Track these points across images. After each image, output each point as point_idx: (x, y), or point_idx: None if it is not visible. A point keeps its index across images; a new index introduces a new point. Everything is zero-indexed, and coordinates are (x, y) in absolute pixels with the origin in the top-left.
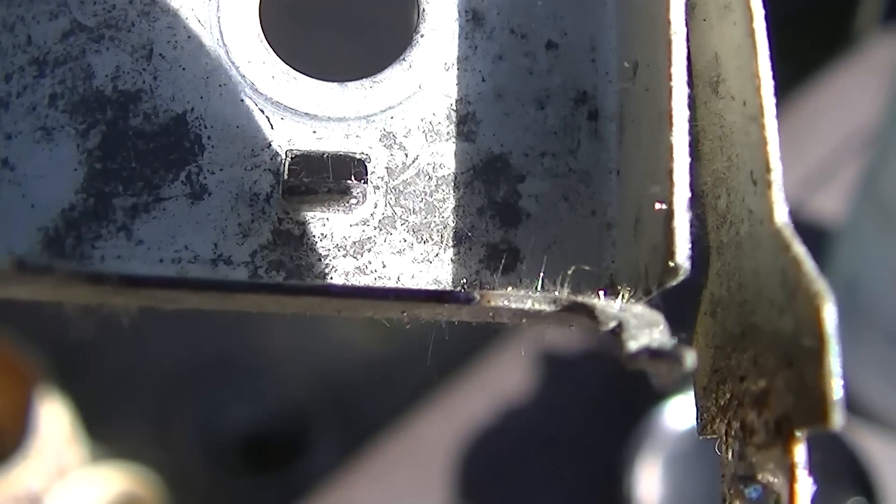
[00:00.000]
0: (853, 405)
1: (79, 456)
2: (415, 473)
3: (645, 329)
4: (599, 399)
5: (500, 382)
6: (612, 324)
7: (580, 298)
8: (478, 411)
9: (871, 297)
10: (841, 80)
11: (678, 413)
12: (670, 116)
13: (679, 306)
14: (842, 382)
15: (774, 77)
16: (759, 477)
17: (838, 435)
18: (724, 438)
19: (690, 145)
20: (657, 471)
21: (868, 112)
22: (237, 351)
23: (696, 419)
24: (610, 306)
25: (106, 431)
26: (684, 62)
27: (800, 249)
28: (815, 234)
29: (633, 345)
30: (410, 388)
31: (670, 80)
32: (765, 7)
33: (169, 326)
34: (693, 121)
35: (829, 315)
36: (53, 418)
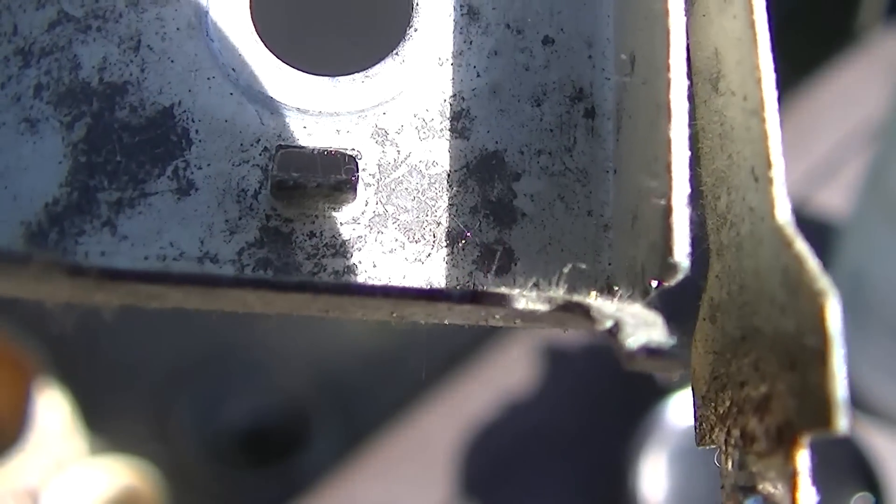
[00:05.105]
0: (859, 401)
1: (77, 449)
2: (416, 468)
3: (642, 328)
4: (604, 394)
5: (503, 377)
6: (609, 324)
7: (576, 298)
8: (481, 406)
9: (878, 293)
10: (845, 76)
11: (683, 408)
12: (668, 108)
13: (679, 312)
14: (847, 384)
15: (776, 71)
16: (760, 487)
17: None
18: (724, 448)
19: (690, 139)
20: (662, 466)
21: (872, 107)
22: (237, 344)
23: (695, 429)
24: (606, 306)
25: (105, 424)
26: (683, 52)
27: (802, 246)
28: (820, 230)
29: (631, 344)
30: (412, 382)
31: (668, 71)
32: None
33: (169, 320)
34: (693, 120)
35: (833, 313)
36: (52, 411)
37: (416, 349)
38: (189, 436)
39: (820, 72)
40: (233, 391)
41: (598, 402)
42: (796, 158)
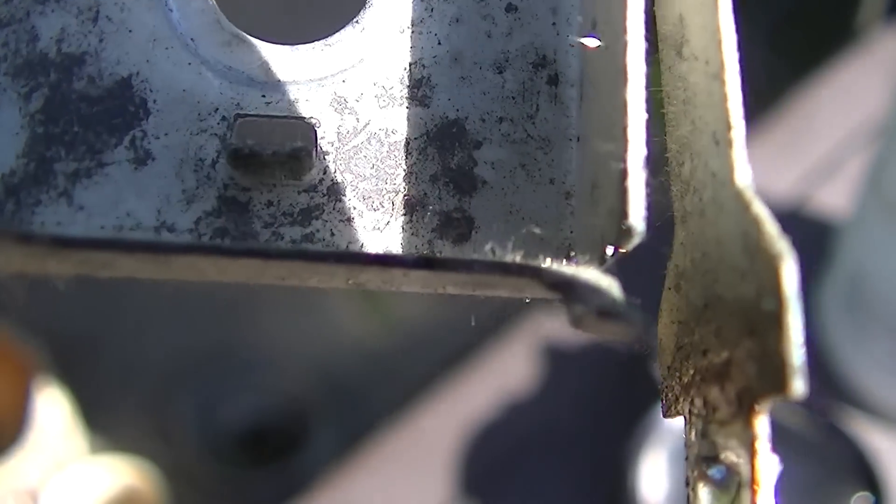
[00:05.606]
0: (859, 400)
1: (77, 448)
2: (416, 467)
3: (596, 292)
4: (604, 393)
5: (503, 376)
6: (564, 290)
7: (528, 262)
8: (480, 405)
9: (877, 292)
10: (845, 75)
11: None
12: (625, 72)
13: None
14: (803, 346)
15: (738, 32)
16: (723, 457)
17: (844, 430)
18: (688, 418)
19: (648, 103)
20: (662, 465)
21: (872, 106)
22: (237, 343)
23: (661, 400)
24: (559, 270)
25: (105, 424)
26: (641, 15)
27: (760, 209)
28: (820, 229)
29: (580, 307)
30: (411, 381)
31: (625, 33)
32: None
33: (168, 319)
34: (653, 86)
35: (790, 275)
36: (52, 410)
37: (416, 349)
38: (189, 435)
39: (820, 71)
40: (233, 391)
41: (599, 401)
42: (796, 157)
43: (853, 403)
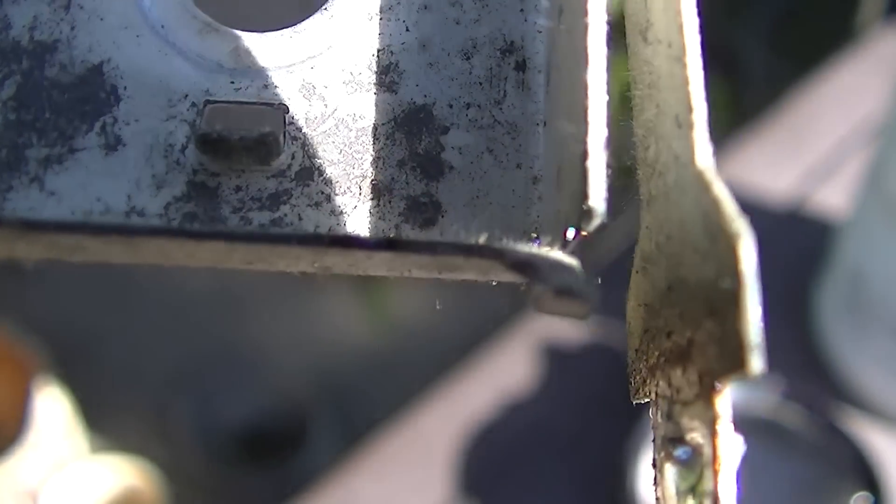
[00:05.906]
0: (859, 400)
1: (77, 447)
2: (415, 467)
3: (557, 272)
4: (603, 393)
5: (502, 376)
6: (525, 270)
7: (491, 244)
8: (480, 405)
9: (878, 292)
10: (845, 74)
11: None
12: (586, 54)
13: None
14: (761, 325)
15: (700, 15)
16: (688, 438)
17: (843, 430)
18: (655, 400)
19: (608, 84)
20: None
21: (872, 105)
22: (236, 344)
23: (629, 383)
24: (521, 250)
25: (105, 424)
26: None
27: (720, 190)
28: (820, 228)
29: (541, 288)
30: (411, 381)
31: (586, 15)
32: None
33: (169, 319)
34: (615, 72)
35: (747, 253)
36: (52, 410)
37: (415, 349)
38: (189, 435)
39: (820, 70)
40: (232, 390)
41: (599, 401)
42: (796, 158)
43: (853, 403)
